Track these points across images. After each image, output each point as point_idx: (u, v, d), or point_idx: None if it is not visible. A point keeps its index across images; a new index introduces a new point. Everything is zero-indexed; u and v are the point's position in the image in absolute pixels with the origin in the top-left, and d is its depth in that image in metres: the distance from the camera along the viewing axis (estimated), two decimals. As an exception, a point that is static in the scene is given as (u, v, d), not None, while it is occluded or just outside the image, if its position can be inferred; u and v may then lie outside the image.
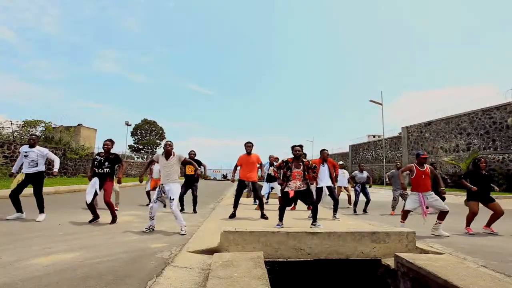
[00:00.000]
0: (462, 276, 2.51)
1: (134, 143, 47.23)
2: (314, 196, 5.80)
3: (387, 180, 8.16)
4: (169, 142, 4.75)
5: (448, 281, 2.40)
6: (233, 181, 6.73)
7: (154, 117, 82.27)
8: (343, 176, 9.21)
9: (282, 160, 5.19)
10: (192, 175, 6.94)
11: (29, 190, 5.40)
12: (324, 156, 6.38)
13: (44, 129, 20.25)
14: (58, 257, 2.98)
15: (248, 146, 6.22)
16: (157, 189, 4.65)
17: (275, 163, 8.04)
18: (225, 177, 47.70)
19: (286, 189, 4.92)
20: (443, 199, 6.82)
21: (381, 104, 27.01)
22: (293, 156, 5.10)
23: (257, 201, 8.28)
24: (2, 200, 8.05)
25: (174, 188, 4.53)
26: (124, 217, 5.65)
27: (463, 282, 2.35)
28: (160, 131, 49.42)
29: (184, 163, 4.98)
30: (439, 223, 4.67)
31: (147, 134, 48.78)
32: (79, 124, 30.54)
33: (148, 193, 8.02)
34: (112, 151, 5.35)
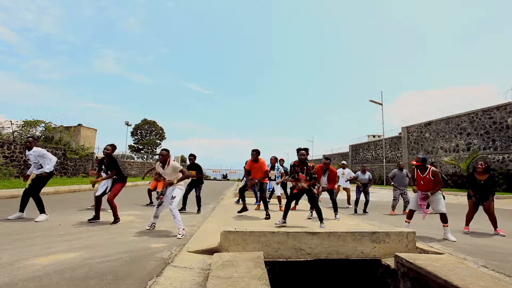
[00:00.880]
0: (462, 276, 2.51)
1: (134, 143, 47.21)
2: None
3: (392, 183, 8.11)
4: (163, 152, 4.57)
5: (448, 281, 2.40)
6: (252, 184, 6.44)
7: (154, 117, 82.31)
8: (342, 176, 9.21)
9: (290, 165, 5.45)
10: (197, 178, 7.14)
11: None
12: (326, 166, 6.48)
13: (44, 129, 20.21)
14: (58, 257, 2.98)
15: (252, 154, 6.35)
16: (160, 191, 4.67)
17: (277, 165, 8.08)
18: (225, 177, 47.74)
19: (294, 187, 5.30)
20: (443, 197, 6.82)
21: (381, 104, 27.02)
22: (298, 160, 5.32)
23: (259, 201, 8.32)
24: (2, 200, 8.05)
25: (176, 189, 4.51)
26: (124, 217, 5.65)
27: (463, 282, 2.35)
28: (160, 131, 49.40)
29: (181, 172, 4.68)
30: (445, 226, 4.63)
31: (147, 134, 48.76)
32: (79, 124, 30.53)
33: (149, 191, 8.06)
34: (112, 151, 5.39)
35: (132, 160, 32.72)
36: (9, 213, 5.28)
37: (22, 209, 5.22)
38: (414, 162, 4.96)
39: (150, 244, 3.63)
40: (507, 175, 17.80)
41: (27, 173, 5.43)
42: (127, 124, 37.95)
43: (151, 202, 8.04)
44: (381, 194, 15.67)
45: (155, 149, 47.26)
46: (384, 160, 28.53)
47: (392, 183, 8.03)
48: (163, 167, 4.60)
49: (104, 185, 5.23)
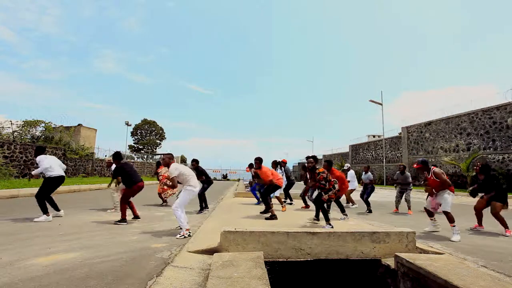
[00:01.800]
0: (462, 276, 2.51)
1: (134, 143, 47.22)
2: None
3: (394, 184, 8.60)
4: (162, 157, 4.71)
5: (448, 281, 2.40)
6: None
7: (154, 117, 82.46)
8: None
9: (304, 170, 5.87)
10: (204, 180, 7.22)
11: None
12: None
13: (44, 129, 20.22)
14: (58, 257, 2.98)
15: (256, 163, 6.54)
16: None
17: (278, 170, 8.09)
18: (225, 177, 47.76)
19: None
20: None
21: (381, 104, 27.02)
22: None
23: (260, 201, 8.34)
24: (2, 200, 8.05)
25: (182, 191, 4.50)
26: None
27: (463, 282, 2.35)
28: (160, 131, 49.41)
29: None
30: (452, 226, 4.61)
31: (147, 134, 48.76)
32: (79, 124, 30.51)
33: (159, 194, 8.43)
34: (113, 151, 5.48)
35: (132, 160, 32.73)
36: (9, 213, 5.28)
37: (56, 208, 5.61)
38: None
39: (150, 244, 3.63)
40: (507, 175, 17.79)
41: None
42: (127, 124, 37.93)
43: (165, 202, 8.37)
44: (381, 194, 15.67)
45: (155, 149, 47.29)
46: (384, 160, 28.53)
47: (395, 184, 8.45)
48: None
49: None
